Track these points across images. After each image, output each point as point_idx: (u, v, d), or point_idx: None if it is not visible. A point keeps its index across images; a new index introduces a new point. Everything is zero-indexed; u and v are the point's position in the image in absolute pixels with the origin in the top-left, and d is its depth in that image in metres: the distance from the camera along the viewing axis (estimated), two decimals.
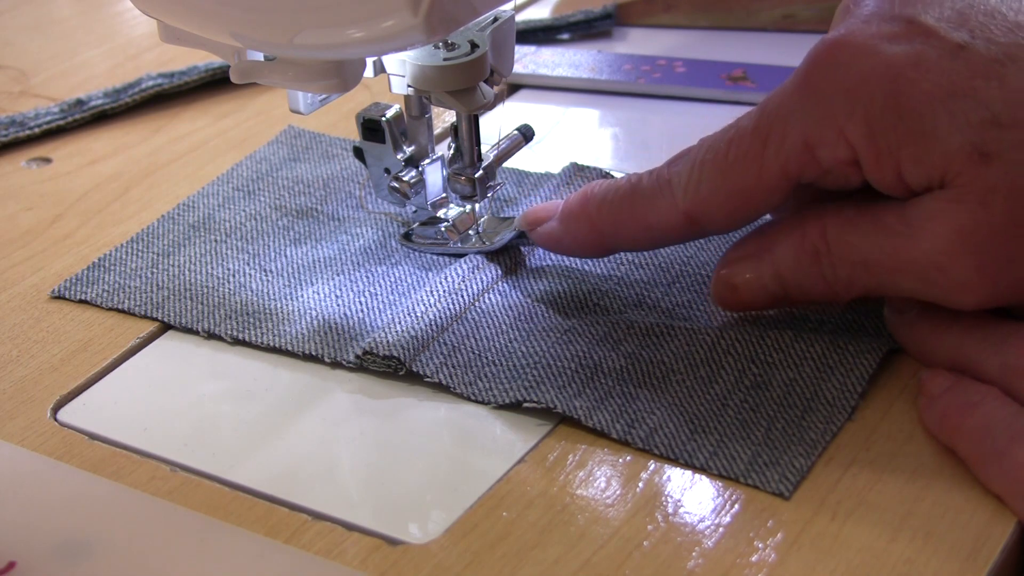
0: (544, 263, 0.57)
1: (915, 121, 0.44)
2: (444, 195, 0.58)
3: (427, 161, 0.57)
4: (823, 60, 0.46)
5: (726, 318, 0.53)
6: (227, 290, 0.56)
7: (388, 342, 0.51)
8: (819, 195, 0.49)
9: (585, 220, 0.53)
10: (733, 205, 0.49)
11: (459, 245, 0.57)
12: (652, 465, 0.46)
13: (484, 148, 0.57)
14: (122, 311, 0.56)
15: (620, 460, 0.47)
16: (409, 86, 0.54)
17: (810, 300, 0.49)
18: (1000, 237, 0.44)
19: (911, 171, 0.45)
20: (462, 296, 0.54)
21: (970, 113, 0.43)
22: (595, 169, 0.62)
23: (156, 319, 0.55)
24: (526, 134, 0.59)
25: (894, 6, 0.46)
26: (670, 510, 0.44)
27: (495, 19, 0.54)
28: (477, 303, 0.54)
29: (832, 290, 0.48)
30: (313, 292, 0.56)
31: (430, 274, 0.57)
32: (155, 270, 0.58)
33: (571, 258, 0.56)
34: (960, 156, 0.43)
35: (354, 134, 0.60)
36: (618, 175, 0.62)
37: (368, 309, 0.55)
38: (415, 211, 0.59)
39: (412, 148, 0.57)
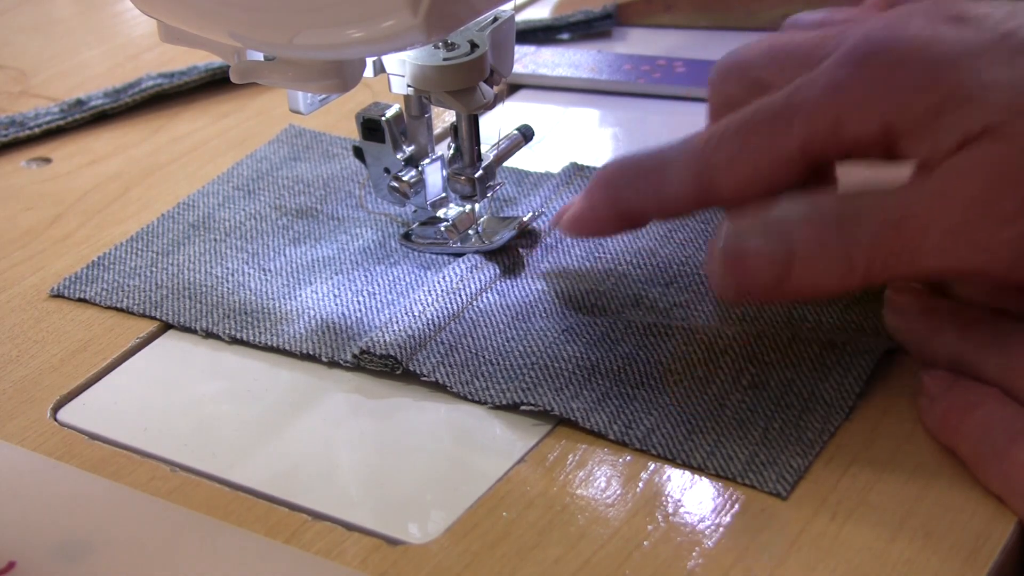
0: (543, 263, 0.57)
1: (955, 90, 0.44)
2: (444, 195, 0.58)
3: (427, 161, 0.57)
4: (859, 52, 0.46)
5: (723, 317, 0.53)
6: (225, 289, 0.56)
7: (385, 341, 0.51)
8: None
9: (603, 185, 0.51)
10: (745, 170, 0.47)
11: (458, 245, 0.57)
12: (652, 465, 0.46)
13: (484, 148, 0.57)
14: (121, 310, 0.56)
15: (620, 460, 0.47)
16: (409, 86, 0.54)
17: (811, 288, 0.45)
18: None
19: (948, 138, 0.44)
20: (460, 295, 0.54)
21: (1014, 81, 0.43)
22: (595, 169, 0.61)
23: (154, 318, 0.56)
24: (526, 134, 0.59)
25: (940, 6, 0.46)
26: (670, 510, 0.44)
27: (495, 19, 0.54)
28: (475, 302, 0.54)
29: (849, 267, 0.44)
30: (311, 291, 0.56)
31: (428, 273, 0.57)
32: (154, 269, 0.58)
33: (568, 256, 0.57)
34: (1001, 109, 0.43)
35: (354, 134, 0.60)
36: None
37: (366, 309, 0.55)
38: (415, 211, 0.59)
39: (412, 148, 0.57)
